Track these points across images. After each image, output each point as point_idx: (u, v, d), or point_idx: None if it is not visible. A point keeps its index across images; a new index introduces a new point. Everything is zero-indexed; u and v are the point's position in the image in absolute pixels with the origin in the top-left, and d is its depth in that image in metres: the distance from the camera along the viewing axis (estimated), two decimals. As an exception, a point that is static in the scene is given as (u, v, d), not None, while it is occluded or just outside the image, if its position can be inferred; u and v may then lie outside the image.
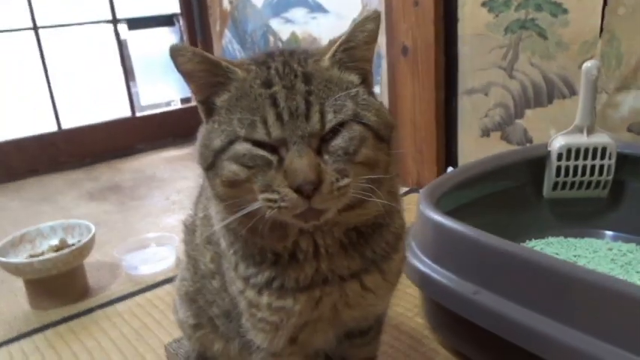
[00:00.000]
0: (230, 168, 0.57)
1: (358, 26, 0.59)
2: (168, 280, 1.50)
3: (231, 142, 0.58)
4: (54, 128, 2.78)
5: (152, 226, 1.93)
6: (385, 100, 2.04)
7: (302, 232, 0.62)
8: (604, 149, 1.32)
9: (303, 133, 0.55)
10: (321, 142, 0.56)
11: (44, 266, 1.34)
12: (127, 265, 1.55)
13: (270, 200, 0.55)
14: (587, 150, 1.33)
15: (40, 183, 2.56)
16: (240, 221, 0.61)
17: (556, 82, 1.54)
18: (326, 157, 0.56)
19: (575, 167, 1.34)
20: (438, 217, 1.04)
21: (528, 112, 1.64)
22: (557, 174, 1.36)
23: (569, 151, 1.33)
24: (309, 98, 0.56)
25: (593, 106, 1.31)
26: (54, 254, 1.36)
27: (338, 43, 0.60)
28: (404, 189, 2.00)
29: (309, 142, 0.55)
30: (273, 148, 0.56)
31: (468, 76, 1.77)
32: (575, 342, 0.79)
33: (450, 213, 1.19)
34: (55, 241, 1.50)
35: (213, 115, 0.62)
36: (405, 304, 1.25)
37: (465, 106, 1.81)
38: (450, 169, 1.83)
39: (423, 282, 1.04)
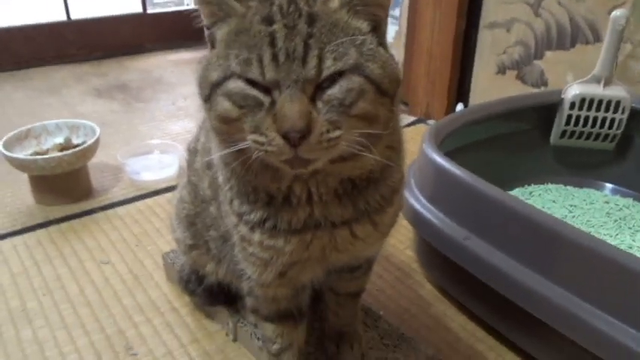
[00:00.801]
0: (223, 104, 0.56)
1: None
2: (170, 189, 1.52)
3: (226, 78, 0.56)
4: (63, 18, 2.70)
5: (156, 130, 1.93)
6: (403, 26, 1.97)
7: (296, 177, 0.62)
8: (618, 103, 1.30)
9: (297, 78, 0.52)
10: (317, 89, 0.54)
11: (48, 164, 1.36)
12: (129, 169, 1.57)
13: (257, 142, 0.54)
14: (600, 101, 1.30)
15: (45, 74, 2.53)
16: (233, 157, 0.61)
17: (582, 26, 1.49)
18: (320, 105, 0.53)
19: (587, 118, 1.33)
20: (438, 159, 1.04)
21: (548, 54, 1.59)
22: (567, 122, 1.34)
23: (582, 100, 1.31)
24: (308, 41, 0.53)
25: (615, 57, 1.27)
26: (59, 153, 1.38)
27: None
28: (411, 118, 1.99)
29: (303, 88, 0.53)
30: (266, 89, 0.54)
31: (491, 9, 1.70)
32: (555, 297, 0.82)
33: (455, 151, 1.19)
34: (60, 139, 1.51)
35: (215, 46, 0.59)
36: (398, 237, 1.28)
37: (485, 40, 1.75)
38: (459, 105, 1.81)
39: (417, 221, 1.06)
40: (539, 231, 0.86)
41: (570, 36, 1.52)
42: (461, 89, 1.87)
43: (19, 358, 0.96)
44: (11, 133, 1.45)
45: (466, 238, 0.94)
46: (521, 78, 1.68)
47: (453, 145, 1.21)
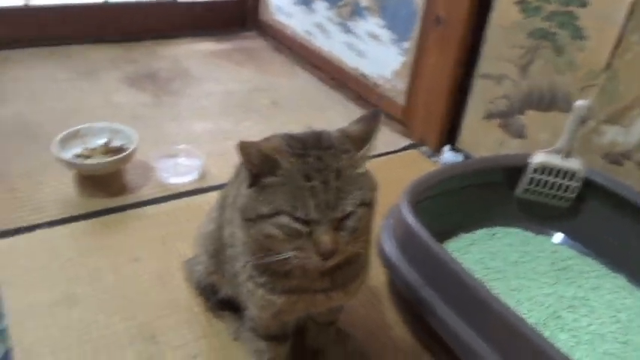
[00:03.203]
0: (271, 230, 0.81)
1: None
2: (190, 192, 1.79)
3: (276, 213, 0.81)
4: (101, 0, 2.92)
5: (180, 129, 2.17)
6: (410, 60, 2.20)
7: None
8: (574, 173, 1.55)
9: (330, 218, 0.80)
10: (339, 222, 0.81)
11: (94, 167, 1.63)
12: (161, 171, 1.82)
13: (298, 257, 0.81)
14: (559, 170, 1.56)
15: (82, 54, 2.74)
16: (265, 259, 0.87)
17: (558, 96, 1.72)
18: (342, 232, 0.82)
19: (546, 182, 1.58)
20: (408, 218, 1.28)
21: (529, 112, 1.83)
22: (530, 183, 1.60)
23: (544, 168, 1.56)
24: (339, 195, 0.80)
25: (575, 136, 1.51)
26: (106, 159, 1.65)
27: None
28: (408, 142, 2.24)
29: (331, 223, 0.80)
30: (306, 222, 0.80)
31: (487, 62, 1.93)
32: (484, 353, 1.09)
33: (431, 197, 1.46)
34: (102, 141, 1.77)
35: (258, 185, 0.83)
36: (376, 266, 1.54)
37: (478, 87, 1.98)
38: (447, 147, 2.05)
39: (388, 263, 1.33)
40: (468, 290, 1.13)
41: (548, 102, 1.76)
42: (452, 125, 2.11)
43: (69, 332, 1.24)
44: (64, 133, 1.71)
45: (421, 286, 1.21)
46: (504, 127, 1.92)
47: (429, 192, 1.47)
